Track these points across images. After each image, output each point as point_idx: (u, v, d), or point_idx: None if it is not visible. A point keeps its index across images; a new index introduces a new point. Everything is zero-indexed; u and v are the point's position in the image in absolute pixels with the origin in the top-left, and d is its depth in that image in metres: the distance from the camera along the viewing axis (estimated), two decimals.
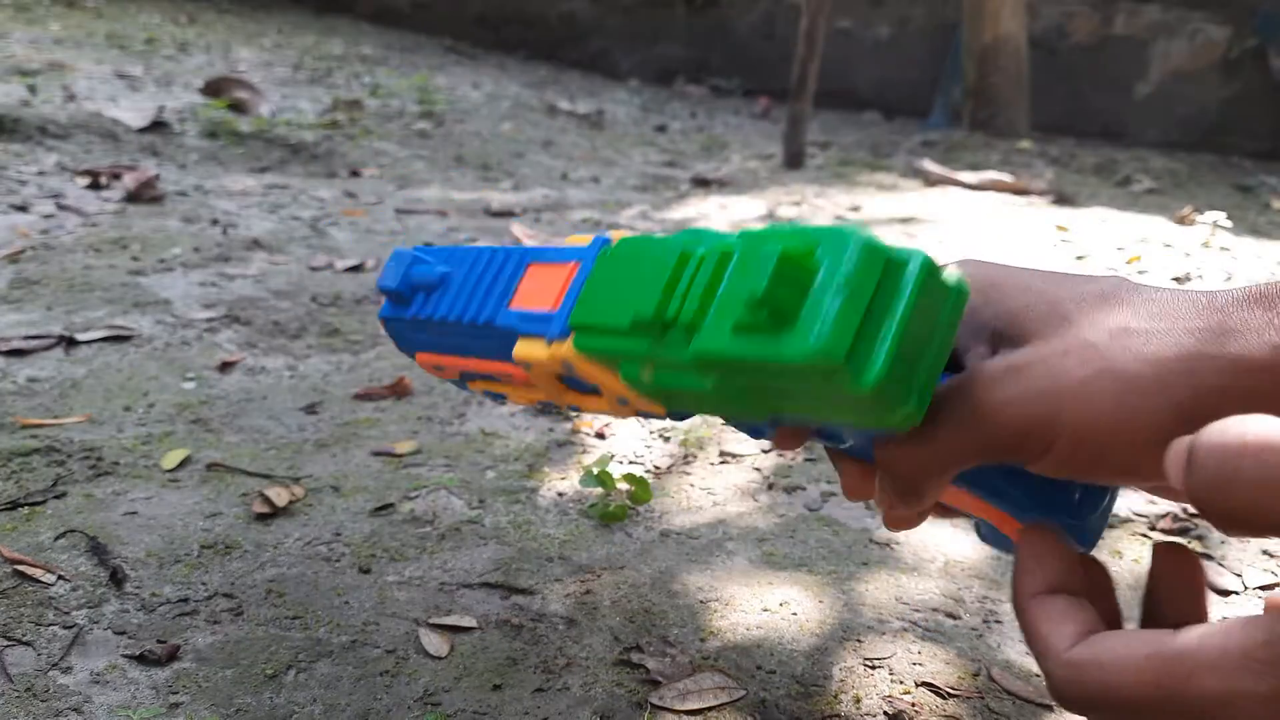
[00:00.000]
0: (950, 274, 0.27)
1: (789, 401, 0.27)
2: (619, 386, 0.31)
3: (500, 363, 0.37)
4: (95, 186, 1.49)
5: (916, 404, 0.26)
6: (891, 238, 1.65)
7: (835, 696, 0.51)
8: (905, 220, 1.89)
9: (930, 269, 0.26)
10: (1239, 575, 0.71)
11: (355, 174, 1.82)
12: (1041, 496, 0.32)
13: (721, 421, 0.48)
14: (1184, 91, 3.75)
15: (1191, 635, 0.26)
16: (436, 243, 1.38)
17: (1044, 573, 0.30)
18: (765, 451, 0.82)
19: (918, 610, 0.59)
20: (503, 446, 0.78)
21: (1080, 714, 0.28)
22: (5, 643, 0.51)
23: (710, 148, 2.80)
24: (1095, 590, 0.31)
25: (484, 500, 0.70)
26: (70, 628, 0.53)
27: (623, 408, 0.33)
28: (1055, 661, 0.29)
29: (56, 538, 0.61)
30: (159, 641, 0.52)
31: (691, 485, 0.75)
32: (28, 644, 0.52)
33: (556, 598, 0.58)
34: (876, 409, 0.25)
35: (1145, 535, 0.75)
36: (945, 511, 0.36)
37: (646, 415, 0.34)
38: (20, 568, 0.58)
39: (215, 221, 1.37)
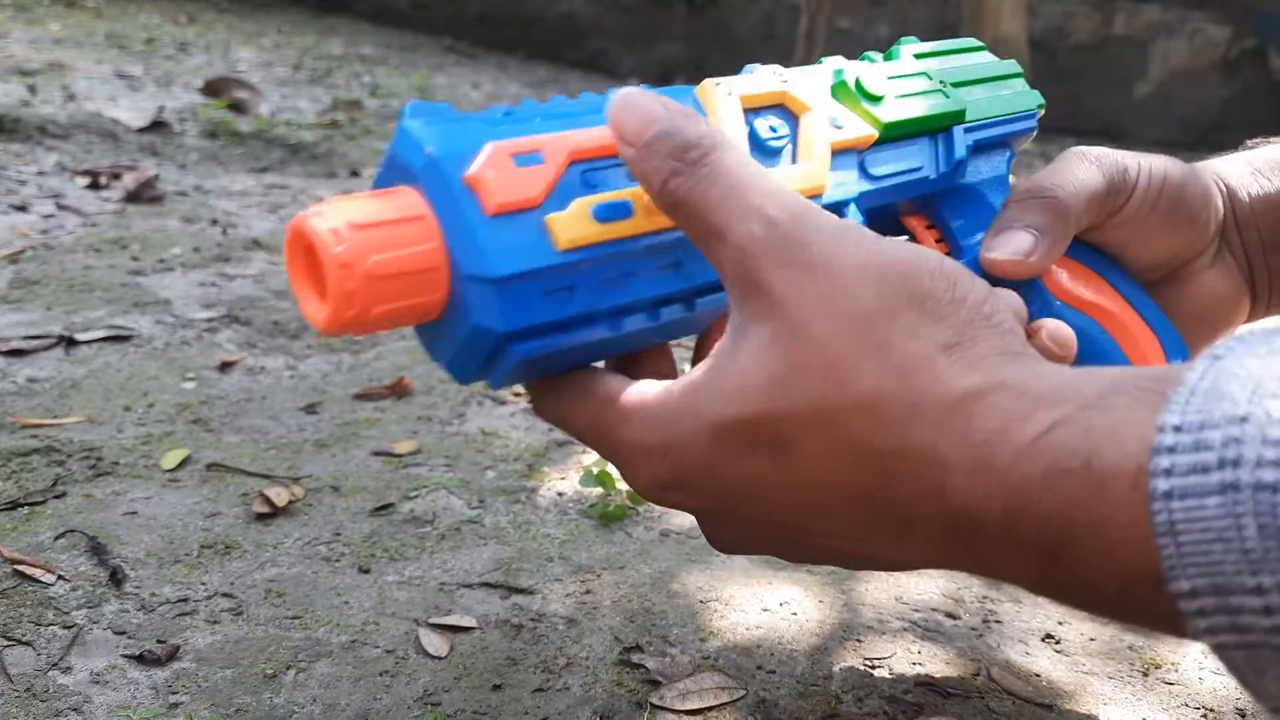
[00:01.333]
0: None
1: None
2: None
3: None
4: (95, 186, 1.49)
5: None
6: None
7: (835, 696, 0.51)
8: None
9: None
10: None
11: (355, 174, 1.82)
12: None
13: None
14: (1184, 91, 3.75)
15: (627, 389, 0.31)
16: None
17: None
18: None
19: (918, 610, 0.59)
20: (502, 446, 0.78)
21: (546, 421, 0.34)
22: (5, 643, 0.51)
23: None
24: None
25: (484, 500, 0.70)
26: (70, 628, 0.53)
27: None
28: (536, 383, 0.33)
29: (56, 538, 0.61)
30: (159, 641, 0.53)
31: None
32: (27, 644, 0.52)
33: (556, 598, 0.58)
34: None
35: None
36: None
37: None
38: (20, 567, 0.58)
39: (215, 221, 1.37)
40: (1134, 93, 3.82)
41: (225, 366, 0.90)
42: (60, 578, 0.57)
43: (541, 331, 0.30)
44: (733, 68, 0.39)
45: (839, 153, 0.37)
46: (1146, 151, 0.44)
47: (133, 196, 1.44)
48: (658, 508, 0.71)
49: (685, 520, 0.69)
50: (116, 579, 0.57)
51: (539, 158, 0.30)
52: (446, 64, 3.52)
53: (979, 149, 0.43)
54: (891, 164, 0.39)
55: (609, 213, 0.31)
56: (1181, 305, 0.44)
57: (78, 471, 0.69)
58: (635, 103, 0.30)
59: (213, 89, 2.24)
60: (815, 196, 0.36)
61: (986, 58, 0.46)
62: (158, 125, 1.92)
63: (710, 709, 0.49)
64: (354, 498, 0.69)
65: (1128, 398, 0.23)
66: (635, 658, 0.53)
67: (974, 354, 0.26)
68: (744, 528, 0.31)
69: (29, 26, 2.98)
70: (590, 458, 0.77)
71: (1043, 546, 0.24)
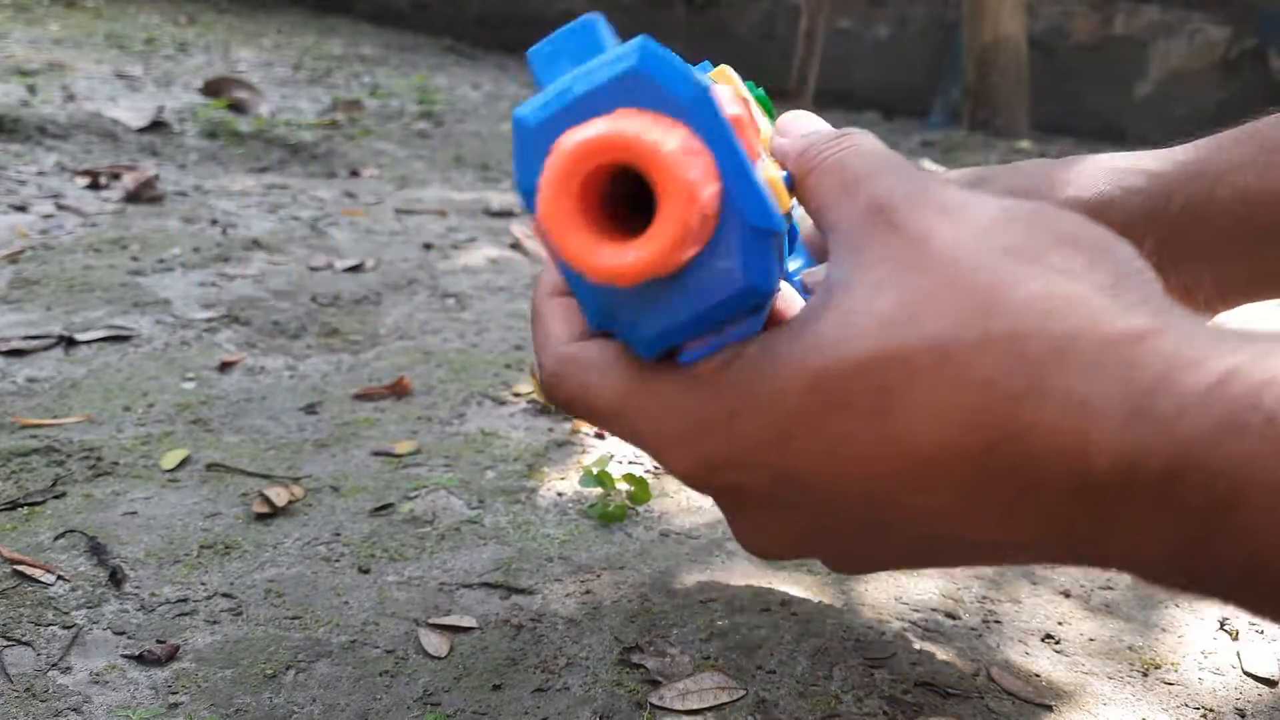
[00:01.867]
0: None
1: None
2: None
3: None
4: (95, 186, 1.49)
5: None
6: None
7: (835, 696, 0.51)
8: None
9: None
10: None
11: (355, 174, 1.82)
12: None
13: None
14: (1183, 92, 3.75)
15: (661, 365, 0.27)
16: (436, 243, 1.38)
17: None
18: None
19: (917, 610, 0.59)
20: (502, 447, 0.78)
21: (563, 409, 0.29)
22: (4, 643, 0.51)
23: None
24: None
25: (484, 500, 0.70)
26: (69, 628, 0.53)
27: None
28: (549, 354, 0.29)
29: (56, 538, 0.61)
30: (158, 641, 0.52)
31: None
32: (27, 644, 0.52)
33: (556, 598, 0.58)
34: None
35: None
36: None
37: None
38: (19, 568, 0.58)
39: (215, 221, 1.37)
40: (1133, 93, 3.82)
41: (225, 366, 0.90)
42: (60, 578, 0.57)
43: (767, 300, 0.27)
44: (733, 67, 0.39)
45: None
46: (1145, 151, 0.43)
47: (132, 196, 1.44)
48: (657, 508, 0.71)
49: (685, 520, 0.69)
50: (116, 579, 0.57)
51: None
52: (446, 64, 3.52)
53: None
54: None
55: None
56: None
57: (77, 471, 0.69)
58: (800, 119, 0.32)
59: (212, 89, 2.24)
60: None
61: None
62: (157, 125, 1.92)
63: (710, 709, 0.49)
64: (354, 498, 0.69)
65: None
66: (635, 658, 0.53)
67: (1133, 296, 0.23)
68: (801, 517, 0.27)
69: (29, 26, 2.98)
70: (590, 458, 0.77)
71: (1207, 508, 0.20)
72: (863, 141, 0.29)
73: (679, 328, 0.26)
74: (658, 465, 0.74)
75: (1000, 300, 0.22)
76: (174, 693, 0.49)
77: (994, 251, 0.23)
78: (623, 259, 0.24)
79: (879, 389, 0.23)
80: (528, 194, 0.27)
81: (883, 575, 0.63)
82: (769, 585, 0.61)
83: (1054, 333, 0.22)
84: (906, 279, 0.23)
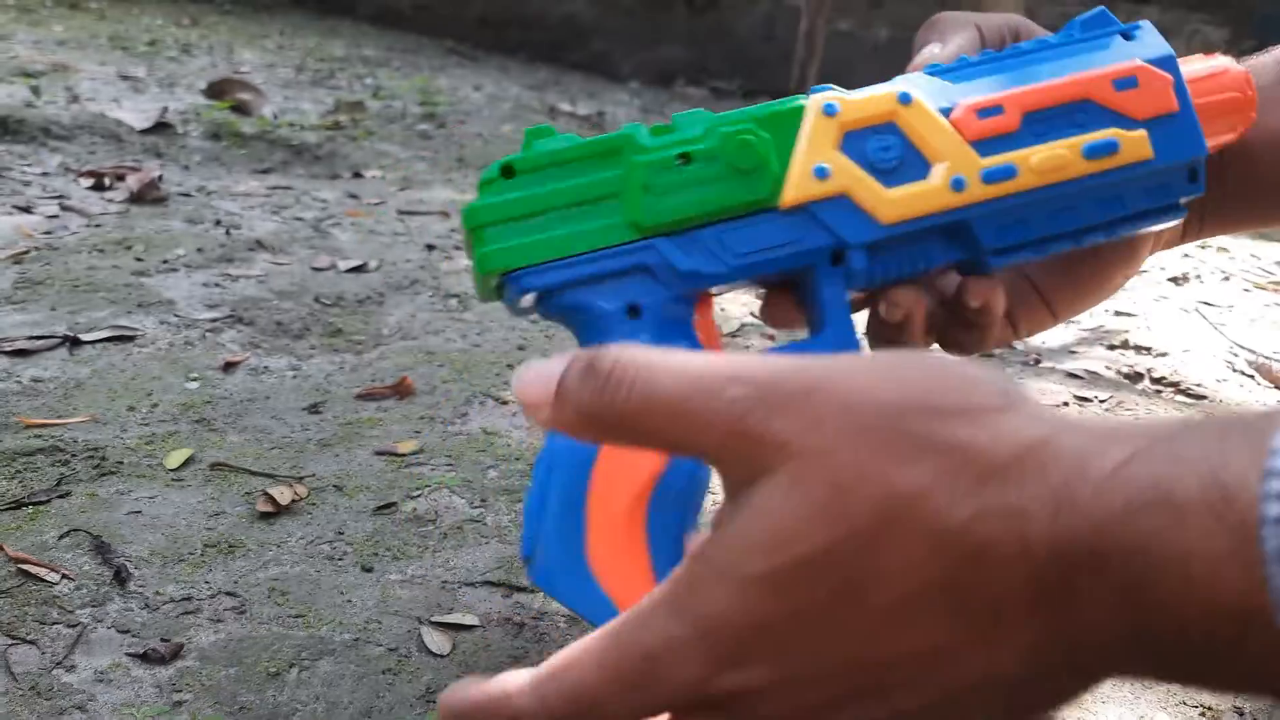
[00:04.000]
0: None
1: None
2: None
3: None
4: (99, 187, 1.50)
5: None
6: None
7: None
8: None
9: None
10: None
11: (358, 175, 1.83)
12: None
13: None
14: None
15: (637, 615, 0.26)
16: (438, 244, 1.38)
17: None
18: None
19: None
20: (504, 446, 0.79)
21: None
22: (9, 641, 0.52)
23: None
24: None
25: (486, 499, 0.70)
26: (74, 626, 0.53)
27: None
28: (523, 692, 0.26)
29: (60, 537, 0.61)
30: (162, 640, 0.53)
31: None
32: (31, 642, 0.52)
33: None
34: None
35: None
36: None
37: None
38: (24, 567, 0.58)
39: (219, 222, 1.37)
40: None
41: (229, 367, 0.90)
42: (64, 577, 0.57)
43: None
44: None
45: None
46: None
47: (136, 197, 1.44)
48: None
49: None
50: (120, 578, 0.58)
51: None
52: (448, 66, 3.53)
53: None
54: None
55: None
56: None
57: (82, 471, 0.70)
58: (532, 371, 0.27)
59: (216, 90, 2.24)
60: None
61: None
62: (161, 126, 1.92)
63: None
64: (357, 497, 0.69)
65: (1202, 433, 0.22)
66: None
67: (1027, 411, 0.24)
68: (820, 688, 0.26)
69: (32, 28, 2.99)
70: None
71: (1129, 585, 0.22)
72: (648, 361, 0.26)
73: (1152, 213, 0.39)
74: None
75: (907, 466, 0.24)
76: (178, 691, 0.49)
77: (875, 424, 0.24)
78: None
79: (838, 566, 0.24)
80: None
81: None
82: None
83: (973, 462, 0.23)
84: (812, 478, 0.24)
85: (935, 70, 0.38)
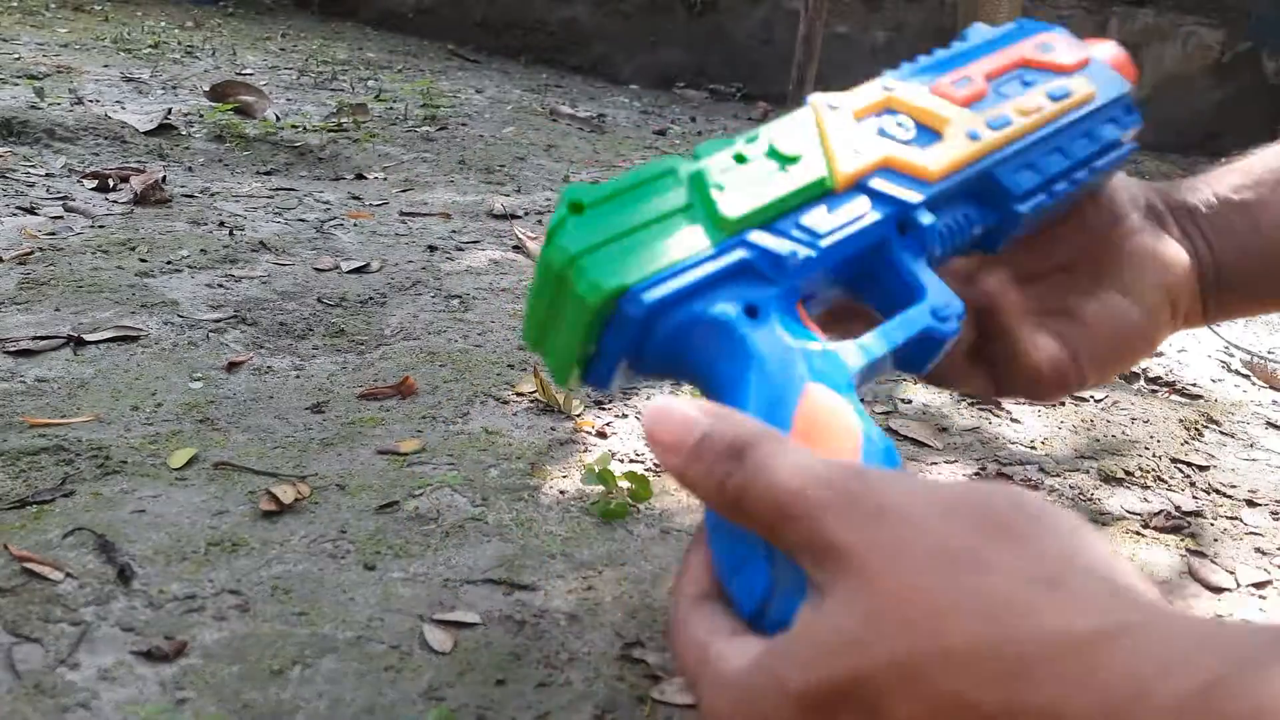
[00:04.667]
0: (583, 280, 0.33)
1: None
2: None
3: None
4: (103, 189, 1.50)
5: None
6: None
7: None
8: None
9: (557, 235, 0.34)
10: (1232, 573, 0.71)
11: (360, 177, 1.83)
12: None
13: None
14: (1177, 95, 3.76)
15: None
16: (440, 245, 1.39)
17: (706, 577, 0.31)
18: None
19: None
20: (505, 445, 0.79)
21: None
22: (13, 639, 0.52)
23: None
24: None
25: (487, 498, 0.70)
26: (78, 624, 0.54)
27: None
28: (720, 678, 0.27)
29: (64, 535, 0.62)
30: (166, 638, 0.53)
31: None
32: (35, 641, 0.52)
33: (559, 594, 0.59)
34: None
35: (1139, 533, 0.76)
36: None
37: None
38: (28, 565, 0.58)
39: (222, 224, 1.38)
40: None
41: (232, 367, 0.91)
42: (68, 575, 0.58)
43: None
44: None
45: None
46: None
47: (140, 199, 1.45)
48: (658, 505, 0.71)
49: (686, 518, 0.70)
50: (124, 576, 0.58)
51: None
52: (450, 69, 3.54)
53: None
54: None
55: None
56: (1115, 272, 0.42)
57: (86, 470, 0.70)
58: (670, 412, 0.29)
59: (219, 93, 2.25)
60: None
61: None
62: (165, 128, 1.93)
63: None
64: (359, 496, 0.69)
65: None
66: (637, 653, 0.54)
67: (1074, 588, 0.23)
68: None
69: (36, 30, 3.00)
70: (592, 456, 0.78)
71: None
72: (769, 451, 0.28)
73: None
74: (659, 465, 0.75)
75: (940, 619, 0.23)
76: (181, 689, 0.50)
77: (923, 562, 0.24)
78: None
79: (863, 700, 0.24)
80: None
81: None
82: None
83: (1009, 644, 0.22)
84: (857, 602, 0.24)
85: (891, 74, 0.41)
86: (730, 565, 0.30)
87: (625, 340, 0.33)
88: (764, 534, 0.28)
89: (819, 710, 0.25)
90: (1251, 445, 0.98)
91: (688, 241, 0.34)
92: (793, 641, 0.26)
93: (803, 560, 0.27)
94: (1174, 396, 1.08)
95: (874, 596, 0.24)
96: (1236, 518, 0.79)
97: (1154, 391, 1.09)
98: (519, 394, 0.89)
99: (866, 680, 0.24)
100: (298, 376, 0.90)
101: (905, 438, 0.89)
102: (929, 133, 0.39)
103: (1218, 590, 0.67)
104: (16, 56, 2.49)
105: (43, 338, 0.93)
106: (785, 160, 0.36)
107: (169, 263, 1.18)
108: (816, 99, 0.38)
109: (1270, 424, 1.04)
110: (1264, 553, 0.73)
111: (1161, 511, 0.77)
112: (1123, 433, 0.95)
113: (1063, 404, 1.00)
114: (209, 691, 0.49)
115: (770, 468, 0.27)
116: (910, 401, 0.97)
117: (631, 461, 0.78)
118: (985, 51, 0.42)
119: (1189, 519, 0.76)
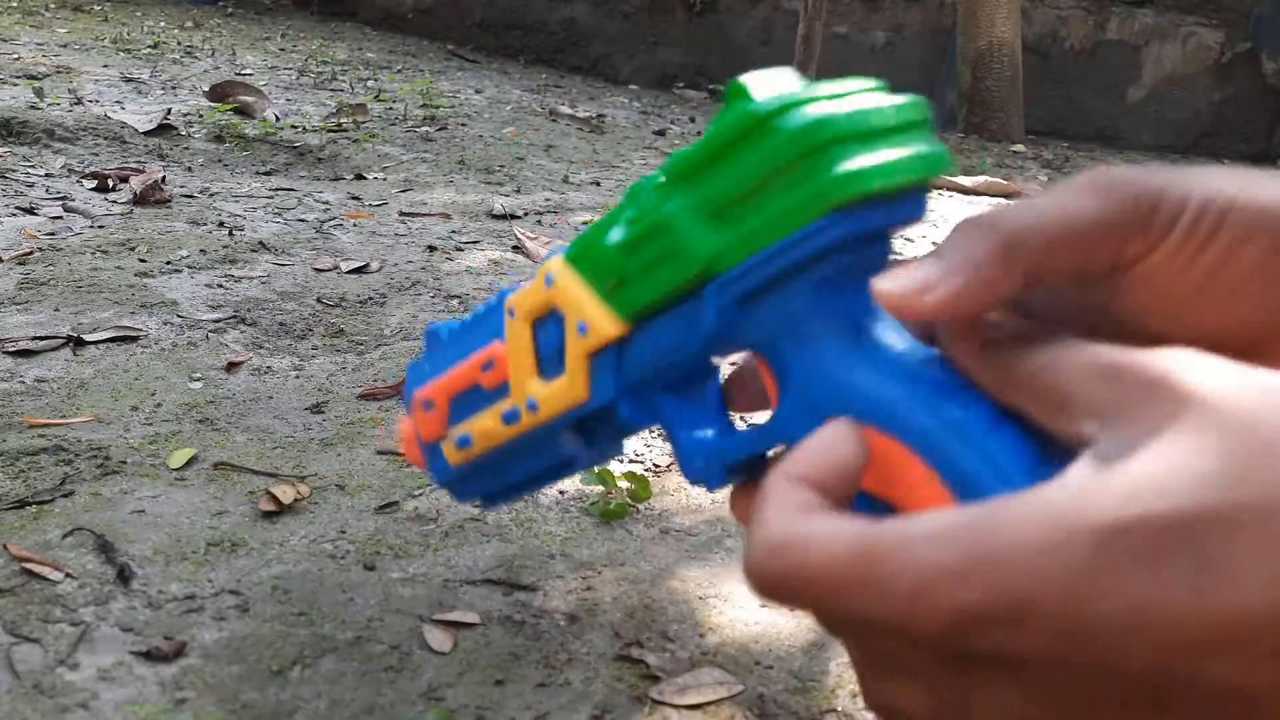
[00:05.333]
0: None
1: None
2: (587, 306, 0.32)
3: (487, 349, 0.36)
4: (102, 189, 1.50)
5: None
6: None
7: (832, 691, 0.52)
8: None
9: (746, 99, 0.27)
10: None
11: (360, 177, 1.83)
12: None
13: None
14: (1177, 95, 3.76)
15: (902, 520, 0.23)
16: (439, 245, 1.39)
17: (821, 466, 0.26)
18: None
19: None
20: None
21: (773, 597, 0.24)
22: (13, 640, 0.52)
23: None
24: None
25: None
26: (78, 625, 0.54)
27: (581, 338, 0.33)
28: (762, 540, 0.24)
29: (64, 536, 0.62)
30: (166, 638, 0.53)
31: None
32: (35, 641, 0.52)
33: (558, 594, 0.59)
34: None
35: None
36: None
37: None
38: (28, 565, 0.58)
39: (222, 224, 1.38)
40: (1127, 97, 3.82)
41: (232, 367, 0.91)
42: (68, 575, 0.58)
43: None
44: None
45: (597, 355, 0.33)
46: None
47: (140, 199, 1.45)
48: (657, 506, 0.71)
49: (685, 518, 0.70)
50: (124, 577, 0.58)
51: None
52: (449, 69, 3.54)
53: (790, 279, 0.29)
54: (649, 354, 0.32)
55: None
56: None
57: (85, 470, 0.70)
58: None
59: (219, 93, 2.25)
60: (579, 406, 0.33)
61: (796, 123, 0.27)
62: (164, 129, 1.93)
63: (709, 704, 0.50)
64: (359, 496, 0.69)
65: None
66: (635, 653, 0.54)
67: None
68: (1062, 693, 0.23)
69: (36, 31, 3.00)
70: None
71: None
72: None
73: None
74: (659, 466, 0.74)
75: None
76: (181, 689, 0.50)
77: None
78: None
79: (1203, 546, 0.21)
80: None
81: None
82: None
83: None
84: (1214, 436, 0.22)
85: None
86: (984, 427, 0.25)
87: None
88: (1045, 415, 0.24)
89: (1134, 555, 0.21)
90: None
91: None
92: (1096, 477, 0.22)
93: (1085, 407, 0.23)
94: None
95: (1246, 432, 0.21)
96: None
97: None
98: None
99: (1215, 520, 0.21)
100: (297, 377, 0.90)
101: None
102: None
103: None
104: (16, 57, 2.49)
105: (42, 338, 0.93)
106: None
107: (168, 263, 1.18)
108: (552, 263, 0.34)
109: None
110: None
111: None
112: None
113: None
114: (208, 692, 0.49)
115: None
116: None
117: (631, 462, 0.78)
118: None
119: None
